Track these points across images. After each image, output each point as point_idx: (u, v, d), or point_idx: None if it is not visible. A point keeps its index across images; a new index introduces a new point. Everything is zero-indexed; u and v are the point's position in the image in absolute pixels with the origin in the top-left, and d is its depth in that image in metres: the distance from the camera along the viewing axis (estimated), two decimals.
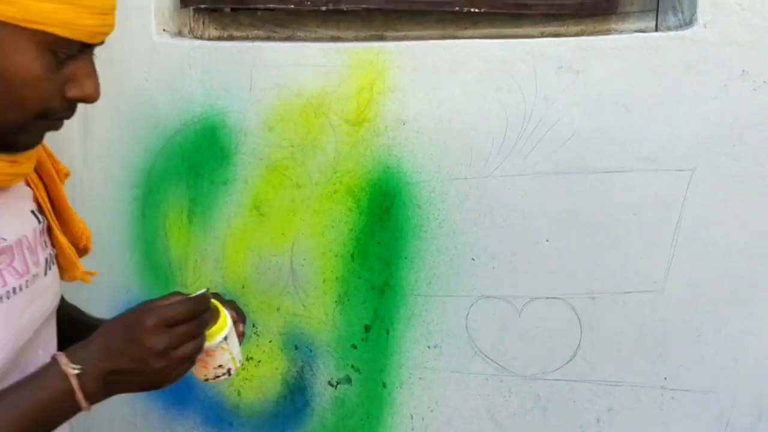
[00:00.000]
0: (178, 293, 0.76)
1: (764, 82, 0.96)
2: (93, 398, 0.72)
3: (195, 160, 1.40)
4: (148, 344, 0.70)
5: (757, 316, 0.99)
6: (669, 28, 1.06)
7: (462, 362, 1.20)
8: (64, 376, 0.70)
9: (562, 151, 1.07)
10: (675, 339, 1.04)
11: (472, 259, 1.17)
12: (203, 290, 0.76)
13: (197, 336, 0.74)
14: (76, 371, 0.70)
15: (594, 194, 1.06)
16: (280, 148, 1.30)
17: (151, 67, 1.41)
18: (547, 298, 1.11)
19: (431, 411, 1.23)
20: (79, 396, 0.70)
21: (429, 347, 1.22)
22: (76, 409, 0.71)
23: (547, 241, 1.11)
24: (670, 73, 1.01)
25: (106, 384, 0.72)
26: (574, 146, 1.07)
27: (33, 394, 0.70)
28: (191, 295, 0.75)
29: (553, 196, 1.09)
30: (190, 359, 0.74)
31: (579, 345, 1.10)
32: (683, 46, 1.00)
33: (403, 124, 1.19)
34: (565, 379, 1.11)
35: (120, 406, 1.63)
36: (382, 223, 1.24)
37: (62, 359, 0.70)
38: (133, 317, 0.72)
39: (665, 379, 1.04)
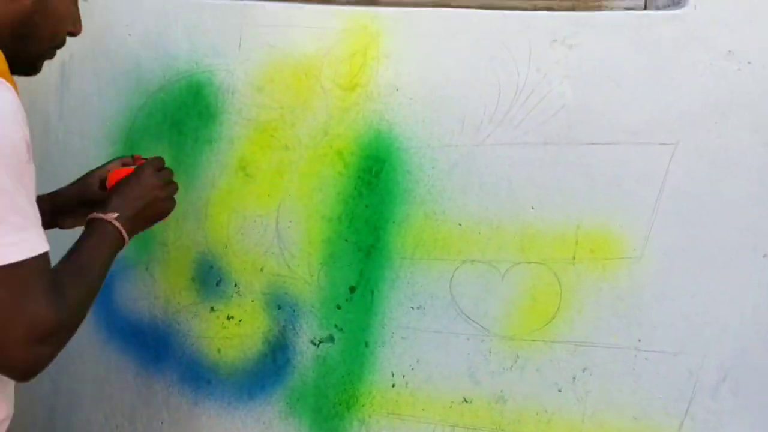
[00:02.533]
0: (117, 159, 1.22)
1: (748, 62, 1.02)
2: (130, 234, 1.04)
3: (178, 118, 1.39)
4: (152, 183, 1.09)
5: (728, 283, 1.06)
6: (658, 7, 1.10)
7: (444, 323, 1.24)
8: (107, 222, 1.01)
9: (552, 123, 1.11)
10: (650, 303, 1.10)
11: (459, 224, 1.20)
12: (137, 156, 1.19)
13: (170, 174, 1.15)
14: (115, 215, 1.02)
15: (579, 165, 1.11)
16: (269, 109, 1.29)
17: (134, 22, 1.38)
18: (530, 263, 1.16)
19: (412, 369, 1.27)
20: (124, 233, 1.02)
21: (413, 308, 1.26)
22: (121, 244, 1.03)
23: (533, 208, 1.15)
24: (658, 50, 1.06)
25: (133, 221, 1.05)
26: (563, 118, 1.11)
27: (91, 240, 0.99)
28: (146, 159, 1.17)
29: (541, 166, 1.13)
30: (176, 188, 1.15)
31: (558, 308, 1.15)
32: (673, 25, 1.05)
33: (396, 90, 1.20)
34: (543, 340, 1.16)
35: (94, 366, 1.62)
36: (371, 187, 1.26)
37: (98, 215, 1.01)
38: (133, 176, 1.10)
39: (639, 340, 1.11)
